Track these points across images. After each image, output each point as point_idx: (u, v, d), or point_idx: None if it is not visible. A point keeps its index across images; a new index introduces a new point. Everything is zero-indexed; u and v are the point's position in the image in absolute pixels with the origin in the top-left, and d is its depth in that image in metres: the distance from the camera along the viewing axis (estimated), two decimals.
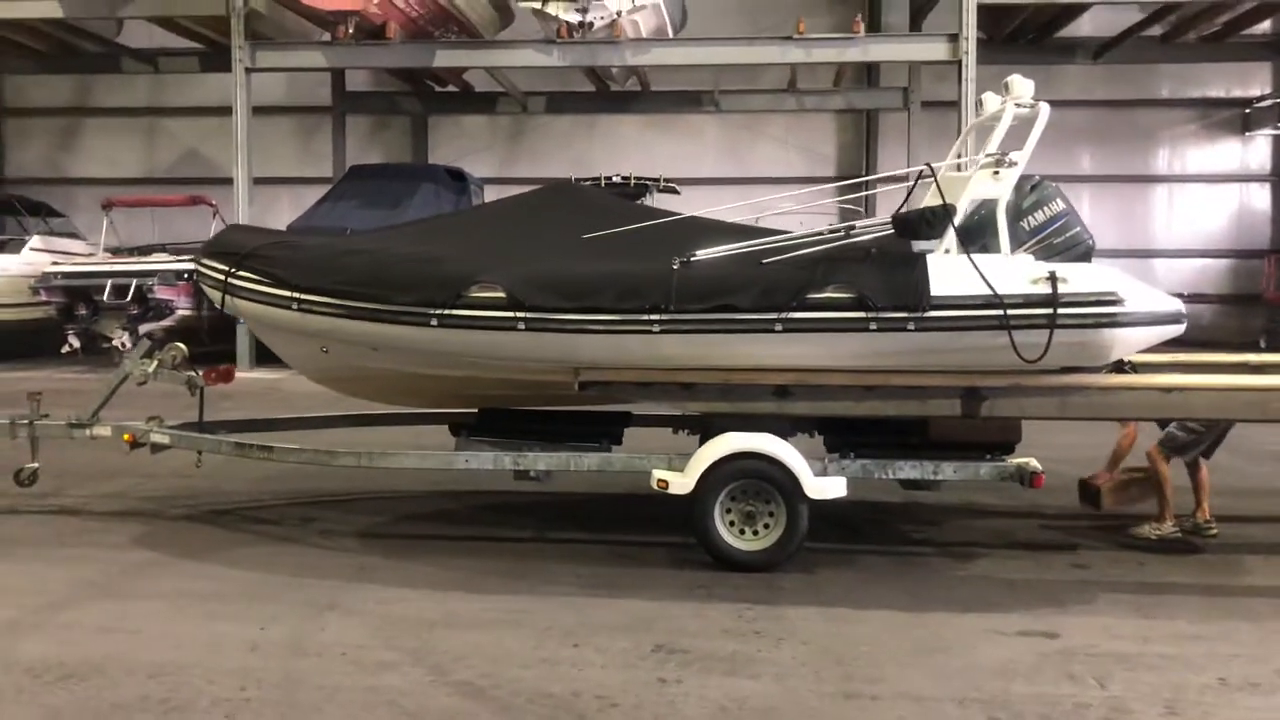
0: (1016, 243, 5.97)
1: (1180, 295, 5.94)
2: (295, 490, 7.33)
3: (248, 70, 15.32)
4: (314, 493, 7.28)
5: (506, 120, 20.40)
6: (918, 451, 5.81)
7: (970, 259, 5.44)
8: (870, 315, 5.41)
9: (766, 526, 5.59)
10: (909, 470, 5.70)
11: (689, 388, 5.76)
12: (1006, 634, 4.65)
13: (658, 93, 18.90)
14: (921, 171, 5.80)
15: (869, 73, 19.64)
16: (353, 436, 7.44)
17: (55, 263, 15.25)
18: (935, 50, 14.78)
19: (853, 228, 5.79)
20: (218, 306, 6.36)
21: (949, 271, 5.44)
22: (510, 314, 5.58)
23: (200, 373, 6.72)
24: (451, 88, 19.43)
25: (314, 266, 6.01)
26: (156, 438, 6.52)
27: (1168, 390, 5.61)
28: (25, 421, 6.70)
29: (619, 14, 14.51)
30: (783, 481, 5.51)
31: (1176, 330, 5.65)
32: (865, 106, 19.27)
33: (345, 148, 19.86)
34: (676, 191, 15.42)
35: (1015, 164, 5.73)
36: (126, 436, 6.55)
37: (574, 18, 14.29)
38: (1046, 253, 5.95)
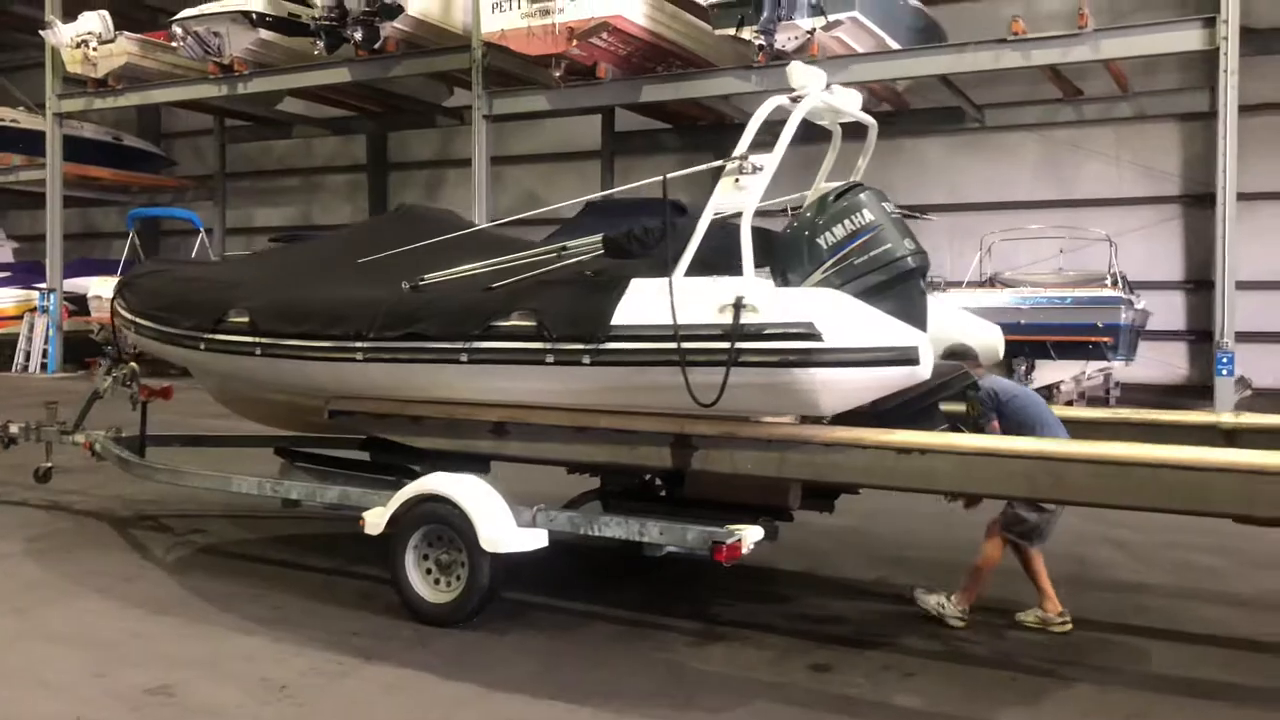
0: (814, 264, 4.96)
1: None
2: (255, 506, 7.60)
3: (485, 117, 16.49)
4: (262, 510, 7.53)
5: (802, 151, 19.88)
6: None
7: (670, 282, 4.57)
8: (547, 346, 4.74)
9: (459, 578, 5.07)
10: (614, 528, 4.86)
11: (417, 421, 5.42)
12: None
13: (916, 111, 17.44)
14: (663, 183, 4.95)
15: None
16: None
17: None
18: (1186, 39, 12.29)
19: (565, 248, 5.06)
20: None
21: (650, 297, 4.63)
22: (250, 339, 5.61)
23: (138, 390, 7.41)
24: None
25: (150, 291, 6.47)
26: (97, 448, 7.31)
27: (904, 450, 4.29)
28: (35, 427, 7.83)
29: (812, 33, 13.71)
30: (462, 530, 4.97)
31: (912, 373, 4.33)
32: (1158, 112, 16.31)
33: (614, 185, 20.57)
34: (927, 219, 13.96)
35: (760, 169, 4.78)
36: (85, 444, 7.41)
37: (759, 41, 13.72)
38: (844, 276, 4.88)
